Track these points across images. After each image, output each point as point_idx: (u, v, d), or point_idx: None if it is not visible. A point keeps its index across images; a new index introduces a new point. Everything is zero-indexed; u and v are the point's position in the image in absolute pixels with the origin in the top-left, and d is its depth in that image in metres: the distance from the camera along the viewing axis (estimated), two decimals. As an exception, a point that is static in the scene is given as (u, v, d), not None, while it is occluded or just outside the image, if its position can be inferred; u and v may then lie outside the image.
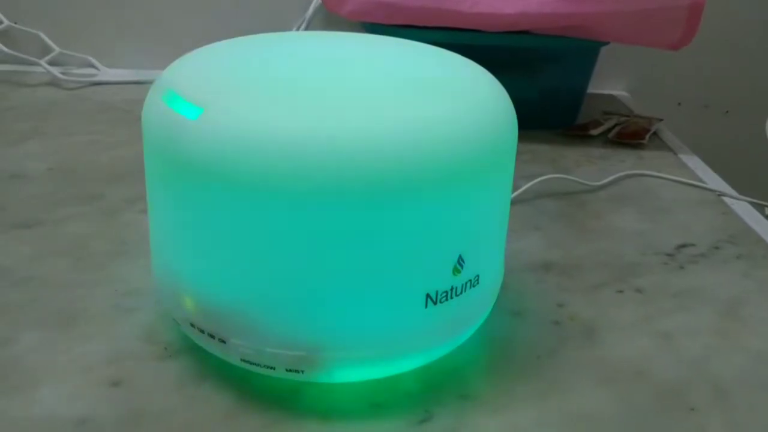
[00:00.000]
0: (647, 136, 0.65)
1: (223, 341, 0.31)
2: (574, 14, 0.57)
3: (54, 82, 0.72)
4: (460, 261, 0.30)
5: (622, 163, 0.61)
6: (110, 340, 0.36)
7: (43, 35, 0.75)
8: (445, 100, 0.31)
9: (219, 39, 0.77)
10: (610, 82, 0.80)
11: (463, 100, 0.31)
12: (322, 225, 0.28)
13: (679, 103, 0.82)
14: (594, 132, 0.66)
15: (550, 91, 0.66)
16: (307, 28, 0.74)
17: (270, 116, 0.28)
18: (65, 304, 0.39)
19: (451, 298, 0.31)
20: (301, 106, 0.28)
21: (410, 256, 0.29)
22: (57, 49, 0.75)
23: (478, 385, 0.34)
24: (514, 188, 0.53)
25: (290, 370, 0.31)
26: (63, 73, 0.73)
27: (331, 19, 0.74)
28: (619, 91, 0.81)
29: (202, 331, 0.32)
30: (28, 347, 0.36)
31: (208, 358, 0.34)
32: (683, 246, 0.48)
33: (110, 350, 0.36)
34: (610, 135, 0.66)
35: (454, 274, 0.31)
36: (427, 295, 0.30)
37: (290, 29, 0.75)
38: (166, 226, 0.32)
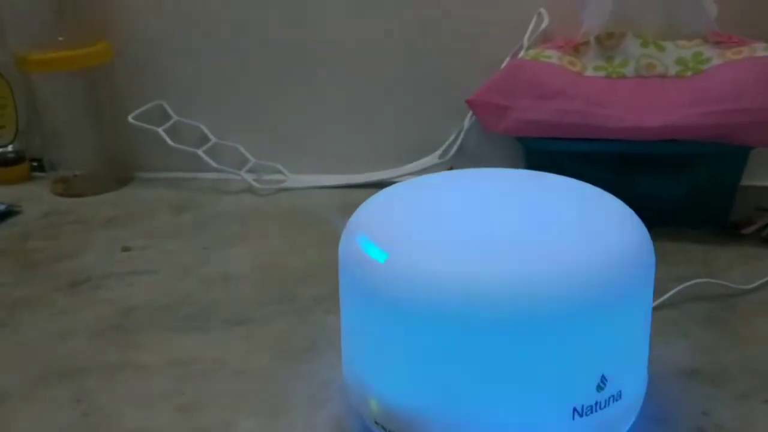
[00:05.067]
0: (804, 235, 0.65)
1: (402, 438, 0.38)
2: (718, 125, 0.60)
3: (250, 189, 0.85)
4: (603, 380, 0.35)
5: (775, 265, 0.62)
6: (308, 429, 0.44)
7: (241, 148, 0.88)
8: (589, 242, 0.36)
9: (383, 148, 0.86)
10: (765, 174, 0.80)
11: (605, 241, 0.36)
12: (486, 350, 0.34)
13: None
14: (746, 231, 0.67)
15: (700, 189, 0.68)
16: (463, 140, 0.82)
17: (442, 262, 0.35)
18: (271, 394, 0.48)
19: (596, 411, 0.36)
20: (467, 252, 0.35)
21: (559, 376, 0.35)
22: (253, 160, 0.88)
23: (624, 488, 0.38)
24: (663, 292, 0.56)
25: (456, 466, 0.37)
26: (256, 181, 0.86)
27: (483, 132, 0.81)
28: (776, 183, 0.80)
29: (385, 429, 0.39)
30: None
31: (388, 450, 0.41)
32: (839, 355, 0.49)
33: (309, 437, 0.44)
34: (764, 234, 0.67)
35: (597, 390, 0.36)
36: (574, 409, 0.35)
37: (448, 138, 0.83)
38: (356, 341, 0.40)
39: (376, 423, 0.39)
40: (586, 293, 0.34)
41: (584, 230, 0.38)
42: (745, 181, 0.70)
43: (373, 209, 0.41)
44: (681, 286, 0.57)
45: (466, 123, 0.81)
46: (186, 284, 0.63)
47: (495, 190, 0.42)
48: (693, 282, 0.57)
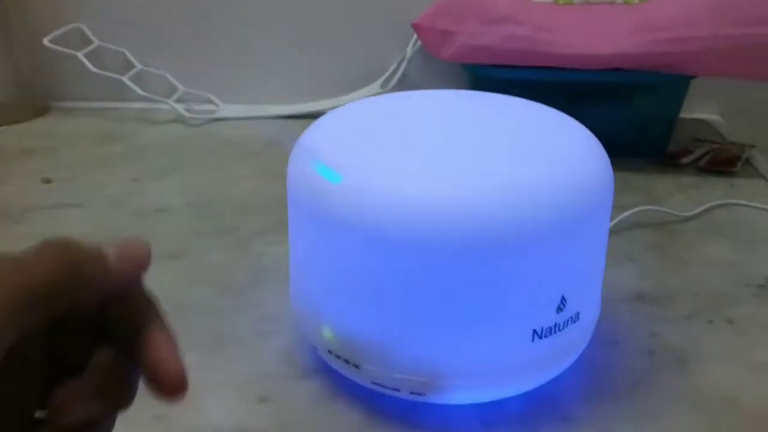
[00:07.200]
0: (739, 164, 0.67)
1: (357, 366, 0.37)
2: (666, 53, 0.60)
3: (180, 119, 0.81)
4: (563, 301, 0.35)
5: (713, 192, 0.63)
6: (254, 362, 0.42)
7: (169, 76, 0.83)
8: (548, 162, 0.35)
9: (321, 77, 0.83)
10: (702, 107, 0.81)
11: (564, 160, 0.35)
12: (445, 274, 0.33)
13: (774, 126, 0.82)
14: (685, 161, 0.68)
15: (642, 120, 0.68)
16: (405, 69, 0.79)
17: (400, 183, 0.33)
18: (214, 328, 0.45)
19: (555, 333, 0.35)
20: (425, 174, 0.34)
21: (520, 298, 0.34)
22: (181, 89, 0.83)
23: (578, 408, 0.38)
24: (608, 220, 0.56)
25: (414, 393, 0.36)
26: (187, 110, 0.81)
27: (428, 57, 0.79)
28: (711, 115, 0.82)
29: (339, 357, 0.37)
30: (188, 366, 0.42)
31: (340, 379, 0.40)
32: (774, 277, 0.51)
33: (256, 370, 0.42)
34: (701, 163, 0.68)
35: (557, 312, 0.35)
36: (534, 331, 0.35)
37: (389, 66, 0.80)
38: (308, 268, 0.38)
39: (329, 352, 0.38)
40: (549, 214, 0.33)
41: (543, 150, 0.36)
42: (684, 114, 0.71)
43: (323, 130, 0.39)
44: (624, 214, 0.57)
45: (409, 51, 0.78)
46: (116, 217, 0.59)
47: (450, 111, 0.41)
48: (636, 210, 0.58)
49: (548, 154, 0.36)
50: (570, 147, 0.37)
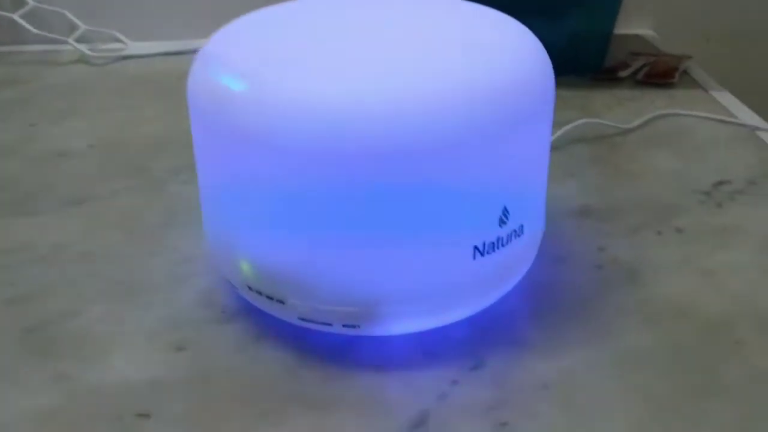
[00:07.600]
0: (677, 75, 0.65)
1: (282, 302, 0.33)
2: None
3: (83, 59, 0.73)
4: (505, 212, 0.31)
5: (652, 104, 0.61)
6: (170, 308, 0.38)
7: (68, 13, 0.76)
8: (484, 60, 0.31)
9: (236, 6, 0.77)
10: (636, 22, 0.79)
11: (501, 58, 0.31)
12: (370, 186, 0.29)
13: (708, 39, 0.80)
14: (622, 74, 0.65)
15: (577, 35, 0.65)
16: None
17: (316, 86, 0.29)
18: (124, 275, 0.41)
19: (498, 248, 0.32)
20: (346, 76, 0.29)
21: (457, 210, 0.30)
22: (83, 27, 0.76)
23: (527, 330, 0.36)
24: (547, 136, 0.53)
25: (347, 326, 0.32)
26: (91, 50, 0.74)
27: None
28: (645, 30, 0.80)
29: (260, 293, 0.33)
30: (95, 318, 0.37)
31: (265, 319, 0.36)
32: (720, 183, 0.49)
33: (171, 317, 0.37)
34: (639, 76, 0.65)
35: (499, 225, 0.32)
36: (475, 247, 0.31)
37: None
38: (218, 195, 0.33)
39: (249, 289, 0.34)
40: (486, 112, 0.29)
41: (481, 49, 0.32)
42: (618, 31, 0.68)
43: (226, 37, 0.34)
44: (564, 129, 0.54)
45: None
46: (10, 165, 0.53)
47: (374, 12, 0.36)
48: (575, 124, 0.55)
49: (486, 51, 0.32)
50: (507, 43, 0.33)
